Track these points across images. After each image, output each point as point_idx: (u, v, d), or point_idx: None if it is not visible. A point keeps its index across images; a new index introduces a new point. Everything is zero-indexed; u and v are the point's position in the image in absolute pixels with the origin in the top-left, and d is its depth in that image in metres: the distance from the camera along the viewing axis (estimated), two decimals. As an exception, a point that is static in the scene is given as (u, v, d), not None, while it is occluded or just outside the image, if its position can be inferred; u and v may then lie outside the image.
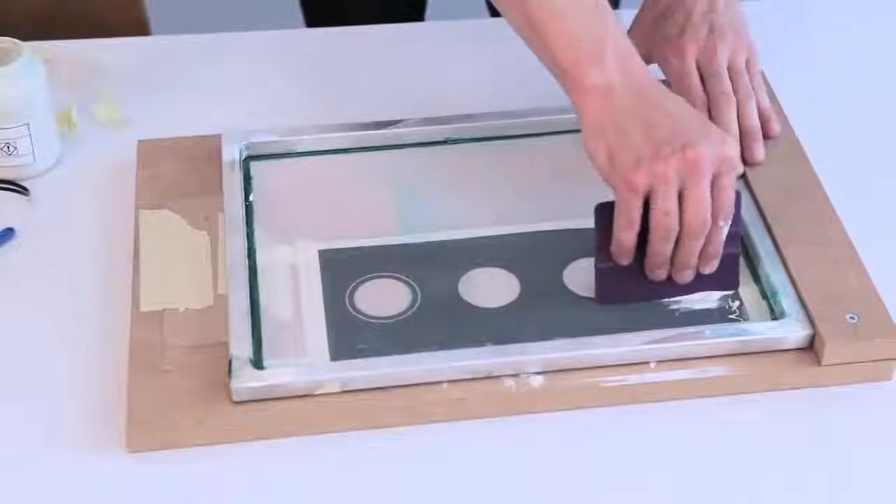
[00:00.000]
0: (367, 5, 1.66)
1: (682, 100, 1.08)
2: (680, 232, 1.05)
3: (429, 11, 1.72)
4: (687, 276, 1.08)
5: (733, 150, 1.05)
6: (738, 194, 1.07)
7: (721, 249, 1.07)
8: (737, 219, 1.07)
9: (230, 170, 1.18)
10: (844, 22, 1.43)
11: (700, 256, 1.07)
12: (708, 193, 1.04)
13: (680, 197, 1.04)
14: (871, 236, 1.13)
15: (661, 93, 1.07)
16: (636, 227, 1.05)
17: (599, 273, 1.09)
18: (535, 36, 1.08)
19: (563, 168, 1.16)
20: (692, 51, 1.20)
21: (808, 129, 1.24)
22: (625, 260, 1.07)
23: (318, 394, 1.02)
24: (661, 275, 1.08)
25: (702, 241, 1.06)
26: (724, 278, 1.09)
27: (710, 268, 1.08)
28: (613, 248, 1.07)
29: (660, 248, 1.06)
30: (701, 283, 1.09)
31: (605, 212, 1.08)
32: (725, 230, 1.06)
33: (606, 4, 1.08)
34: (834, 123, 1.28)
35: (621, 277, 1.08)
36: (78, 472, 1.00)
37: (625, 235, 1.06)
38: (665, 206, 1.04)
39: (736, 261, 1.09)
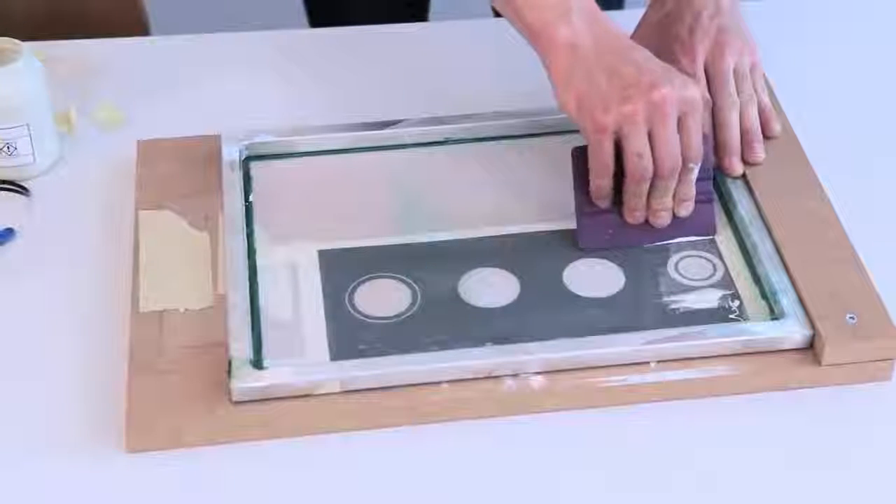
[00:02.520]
0: (370, 5, 1.66)
1: (647, 51, 1.12)
2: (653, 174, 1.09)
3: (432, 11, 1.72)
4: (663, 219, 1.12)
5: (695, 91, 1.09)
6: (706, 139, 1.11)
7: (693, 191, 1.12)
8: (707, 163, 1.12)
9: (230, 170, 1.18)
10: (844, 22, 1.43)
11: (674, 199, 1.12)
12: (675, 134, 1.09)
13: (650, 140, 1.08)
14: (871, 236, 1.13)
15: (626, 44, 1.12)
16: (611, 170, 1.10)
17: (581, 218, 1.12)
18: (505, 1, 1.13)
19: (563, 168, 1.16)
20: (702, 53, 1.20)
21: (807, 129, 1.24)
22: (603, 203, 1.12)
23: (317, 394, 1.02)
24: (639, 217, 1.12)
25: (674, 182, 1.11)
26: (702, 223, 1.14)
27: (685, 210, 1.13)
28: (592, 193, 1.12)
29: (635, 189, 1.11)
30: (679, 228, 1.13)
31: (581, 157, 1.12)
32: (696, 171, 1.11)
33: None
34: (834, 123, 1.28)
35: (602, 222, 1.12)
36: (78, 472, 1.00)
37: (601, 181, 1.11)
38: (636, 148, 1.08)
39: (711, 205, 1.14)
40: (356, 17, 1.46)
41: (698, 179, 1.12)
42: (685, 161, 1.10)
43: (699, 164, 1.11)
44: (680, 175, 1.10)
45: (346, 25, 1.42)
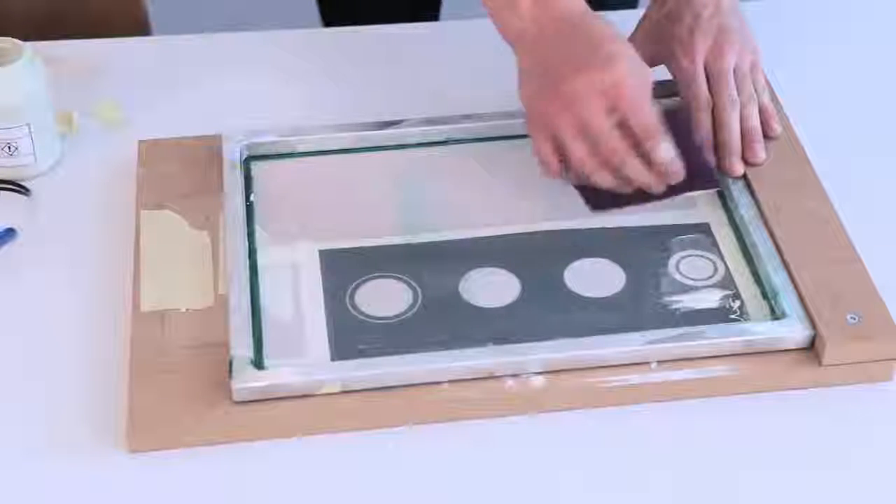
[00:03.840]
0: (382, 5, 1.66)
1: (595, 25, 1.10)
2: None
3: (444, 10, 1.72)
4: (657, 186, 1.12)
5: (616, 76, 1.08)
6: (673, 116, 1.12)
7: (668, 164, 1.10)
8: (686, 131, 1.13)
9: (231, 170, 1.19)
10: (844, 22, 1.43)
11: (655, 173, 1.11)
12: (603, 127, 1.08)
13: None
14: (872, 236, 1.14)
15: (571, 26, 1.10)
16: (558, 169, 1.12)
17: (578, 189, 1.14)
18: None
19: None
20: (702, 52, 1.20)
21: (808, 129, 1.24)
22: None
23: (318, 394, 1.02)
24: (630, 189, 1.12)
25: (630, 165, 1.10)
26: (703, 179, 1.14)
27: (675, 178, 1.11)
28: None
29: (600, 180, 1.11)
30: (681, 185, 1.13)
31: None
32: (662, 146, 1.09)
33: None
34: (834, 123, 1.29)
35: (602, 189, 1.13)
36: (79, 472, 1.00)
37: (551, 176, 1.13)
38: (574, 155, 1.09)
39: (708, 162, 1.14)
40: (369, 17, 1.46)
41: (694, 149, 1.12)
42: (641, 143, 1.09)
43: (659, 138, 1.09)
44: (648, 153, 1.10)
45: (356, 24, 1.42)
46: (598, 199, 1.14)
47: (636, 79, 1.09)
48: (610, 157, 1.09)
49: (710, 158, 1.16)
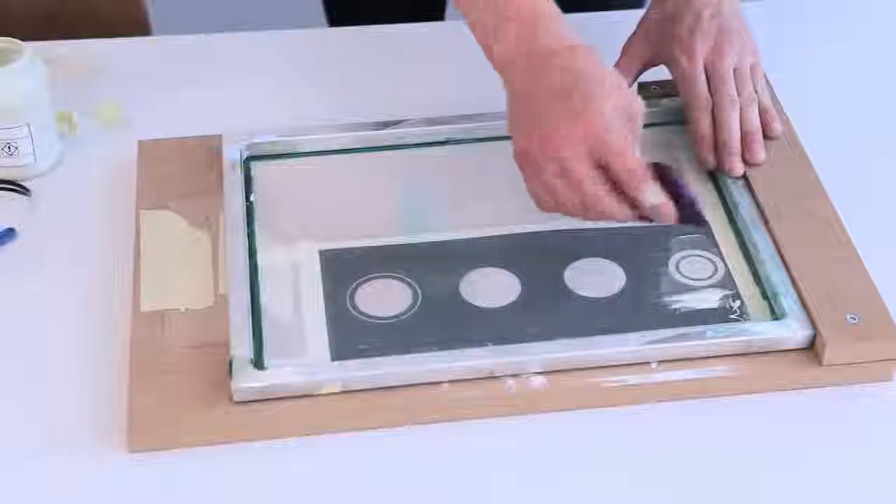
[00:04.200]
0: (388, 5, 1.66)
1: (581, 59, 1.06)
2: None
3: (449, 11, 1.72)
4: (636, 217, 1.08)
5: (591, 127, 1.03)
6: (664, 168, 1.07)
7: (657, 207, 1.06)
8: (676, 181, 1.08)
9: (231, 170, 1.19)
10: (844, 22, 1.43)
11: (643, 211, 1.07)
12: (589, 183, 1.04)
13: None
14: (872, 236, 1.14)
15: (556, 62, 1.06)
16: (550, 207, 1.08)
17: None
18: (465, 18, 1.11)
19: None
20: (701, 52, 1.20)
21: (808, 129, 1.24)
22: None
23: (318, 394, 1.02)
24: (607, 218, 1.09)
25: (598, 212, 1.06)
26: (690, 218, 1.09)
27: (667, 219, 1.07)
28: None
29: (586, 220, 1.08)
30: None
31: None
32: (649, 192, 1.05)
33: None
34: (835, 124, 1.29)
35: None
36: (79, 472, 1.00)
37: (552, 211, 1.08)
38: (557, 198, 1.06)
39: (695, 201, 1.08)
40: (374, 17, 1.46)
41: (673, 182, 1.07)
42: (627, 189, 1.04)
43: (645, 183, 1.05)
44: (632, 202, 1.06)
45: (361, 24, 1.42)
46: None
47: (616, 123, 1.04)
48: (592, 203, 1.05)
49: (694, 197, 1.09)
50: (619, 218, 1.07)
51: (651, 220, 1.08)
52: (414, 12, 1.56)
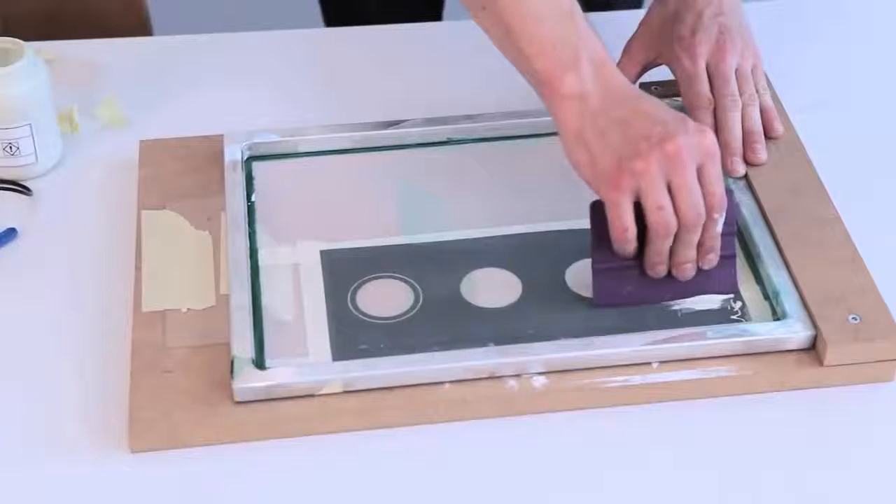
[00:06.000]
0: (385, 5, 1.66)
1: (657, 100, 1.08)
2: (678, 227, 1.05)
3: (447, 10, 1.72)
4: (688, 272, 1.07)
5: (710, 139, 1.05)
6: (730, 195, 1.07)
7: (718, 244, 1.07)
8: (731, 220, 1.07)
9: (232, 170, 1.19)
10: (844, 22, 1.43)
11: (698, 251, 1.07)
12: (696, 183, 1.04)
13: (670, 192, 1.04)
14: (873, 237, 1.14)
15: (635, 94, 1.07)
16: (632, 231, 1.05)
17: (597, 274, 1.08)
18: (509, 42, 1.08)
19: (565, 168, 1.15)
20: (703, 52, 1.20)
21: (809, 129, 1.24)
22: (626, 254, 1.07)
23: (319, 394, 1.02)
24: (661, 271, 1.08)
25: (698, 233, 1.06)
26: (722, 281, 1.09)
27: (709, 263, 1.08)
28: (617, 251, 1.07)
29: (659, 246, 1.06)
30: (699, 285, 1.09)
31: (599, 210, 1.07)
32: (721, 222, 1.06)
33: (579, 10, 1.08)
34: (835, 124, 1.28)
35: (619, 278, 1.08)
36: (80, 472, 1.00)
37: (625, 246, 1.06)
38: (656, 202, 1.03)
39: (733, 262, 1.09)
40: (371, 17, 1.46)
41: (722, 234, 1.07)
42: (709, 211, 1.04)
43: (724, 214, 1.06)
44: (704, 226, 1.05)
45: (359, 25, 1.42)
46: (609, 293, 1.09)
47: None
48: (687, 213, 1.04)
49: (734, 264, 1.09)
50: (692, 241, 1.06)
51: (667, 298, 1.09)
52: (411, 13, 1.56)
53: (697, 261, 1.08)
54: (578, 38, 1.06)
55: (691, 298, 1.09)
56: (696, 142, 1.04)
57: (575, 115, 1.06)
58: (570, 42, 1.06)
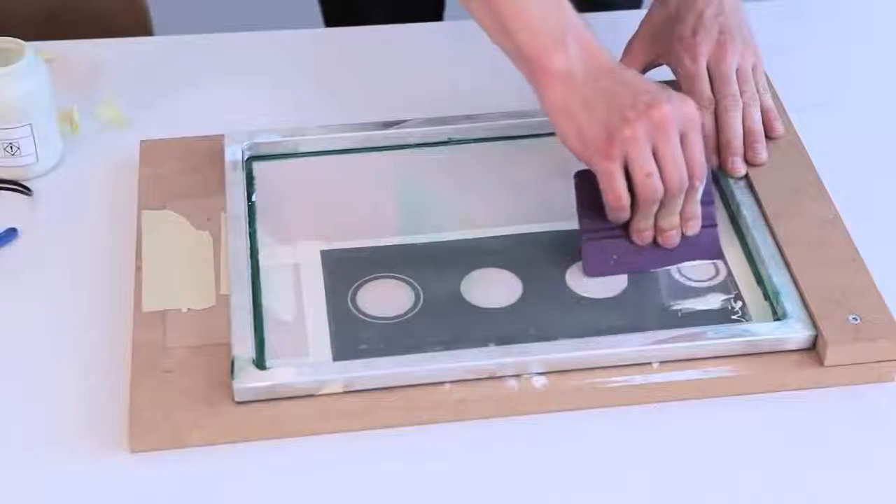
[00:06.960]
0: (385, 6, 1.66)
1: (637, 72, 1.11)
2: (663, 193, 1.08)
3: (447, 10, 1.73)
4: (672, 239, 1.11)
5: (692, 107, 1.08)
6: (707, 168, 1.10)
7: (699, 210, 1.10)
8: (708, 191, 1.11)
9: (233, 170, 1.19)
10: (844, 22, 1.43)
11: (680, 218, 1.10)
12: (679, 150, 1.07)
13: (655, 159, 1.06)
14: (874, 237, 1.14)
15: (619, 67, 1.10)
16: (626, 199, 1.08)
17: (587, 244, 1.11)
18: (495, 22, 1.10)
19: (566, 168, 1.16)
20: (704, 52, 1.20)
21: (810, 130, 1.24)
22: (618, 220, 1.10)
23: (320, 394, 1.02)
24: (648, 237, 1.11)
25: (682, 199, 1.09)
26: (707, 247, 1.12)
27: (693, 229, 1.11)
28: (611, 219, 1.09)
29: (645, 210, 1.09)
30: (684, 251, 1.12)
31: (584, 181, 1.10)
32: (701, 189, 1.09)
33: None
34: (836, 124, 1.28)
35: (607, 248, 1.11)
36: (80, 472, 1.00)
37: (619, 214, 1.09)
38: (644, 168, 1.06)
39: (715, 229, 1.12)
40: (371, 17, 1.46)
41: (701, 203, 1.10)
42: (691, 178, 1.07)
43: (704, 182, 1.09)
44: (686, 194, 1.08)
45: (358, 25, 1.42)
46: (597, 262, 1.11)
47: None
48: (672, 177, 1.06)
49: (717, 232, 1.13)
50: (674, 208, 1.09)
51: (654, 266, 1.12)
52: (412, 13, 1.56)
53: (682, 227, 1.11)
54: (564, 17, 1.09)
55: (692, 299, 1.09)
56: (679, 109, 1.06)
57: (561, 89, 1.08)
58: (556, 21, 1.09)
